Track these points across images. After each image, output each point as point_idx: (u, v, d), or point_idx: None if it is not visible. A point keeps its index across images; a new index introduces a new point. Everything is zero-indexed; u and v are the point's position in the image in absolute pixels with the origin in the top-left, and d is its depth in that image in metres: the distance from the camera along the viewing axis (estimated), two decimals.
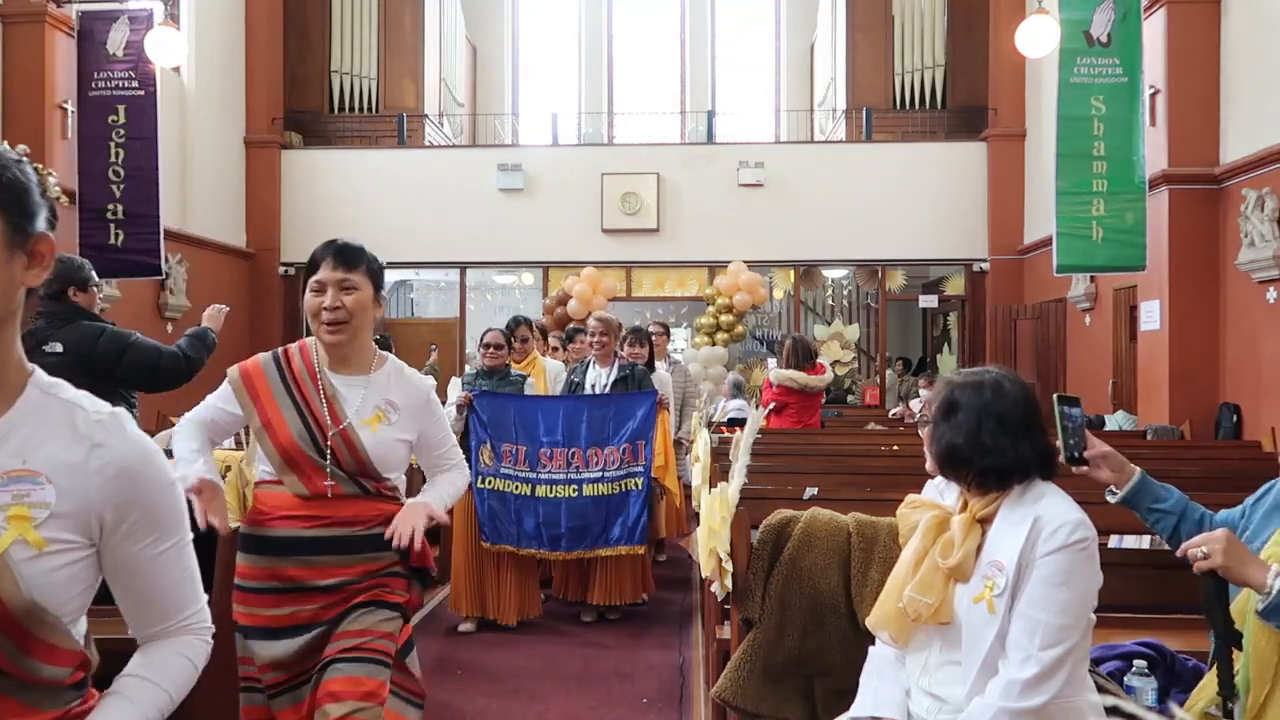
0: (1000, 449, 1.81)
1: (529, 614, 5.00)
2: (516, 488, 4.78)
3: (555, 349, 6.93)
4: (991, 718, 1.69)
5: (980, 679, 1.75)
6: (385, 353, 2.43)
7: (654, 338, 6.68)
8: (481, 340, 5.22)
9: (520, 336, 5.62)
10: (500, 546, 4.80)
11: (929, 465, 1.93)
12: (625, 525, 4.78)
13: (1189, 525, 2.11)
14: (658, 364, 6.21)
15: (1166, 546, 2.18)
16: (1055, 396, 2.09)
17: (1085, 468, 2.11)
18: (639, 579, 5.14)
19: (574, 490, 4.76)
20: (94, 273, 4.00)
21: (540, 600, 5.12)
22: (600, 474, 4.77)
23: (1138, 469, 2.15)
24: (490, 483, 4.78)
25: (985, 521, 1.84)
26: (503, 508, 4.77)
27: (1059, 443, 2.07)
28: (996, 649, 1.74)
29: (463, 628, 4.94)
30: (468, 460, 4.45)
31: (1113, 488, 2.13)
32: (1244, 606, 1.90)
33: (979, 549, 1.82)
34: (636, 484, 4.83)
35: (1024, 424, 1.84)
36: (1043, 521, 1.75)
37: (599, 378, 5.18)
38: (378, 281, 2.34)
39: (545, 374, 5.75)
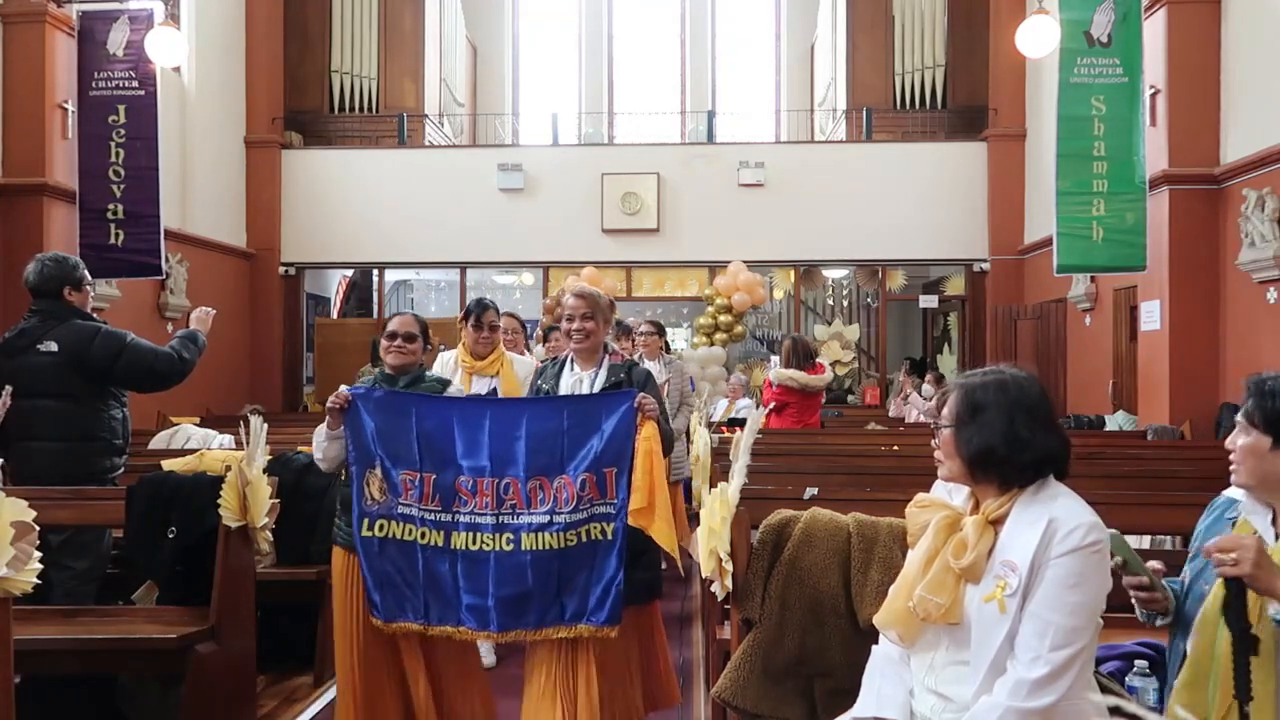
0: (1036, 442, 1.82)
1: None
2: (423, 535, 3.14)
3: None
4: (999, 717, 1.70)
5: (989, 678, 1.76)
6: None
7: (645, 337, 6.12)
8: (384, 329, 3.52)
9: (488, 323, 4.34)
10: (400, 625, 3.12)
11: (949, 471, 1.92)
12: (590, 594, 3.06)
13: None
14: (648, 364, 5.31)
15: (1168, 546, 2.18)
16: None
17: None
18: (653, 680, 3.39)
19: (508, 541, 3.09)
20: (87, 272, 4.00)
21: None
22: (548, 516, 3.09)
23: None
24: (382, 527, 3.15)
25: (997, 523, 1.84)
26: (405, 563, 3.14)
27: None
28: (1006, 649, 1.75)
29: None
30: (349, 495, 3.16)
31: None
32: (1214, 618, 1.88)
33: (990, 549, 1.83)
34: (605, 531, 3.08)
35: (1048, 416, 1.87)
36: (1058, 523, 1.75)
37: (579, 384, 3.43)
38: None
39: (515, 377, 4.36)
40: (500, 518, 3.11)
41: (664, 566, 3.44)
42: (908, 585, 1.90)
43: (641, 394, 3.15)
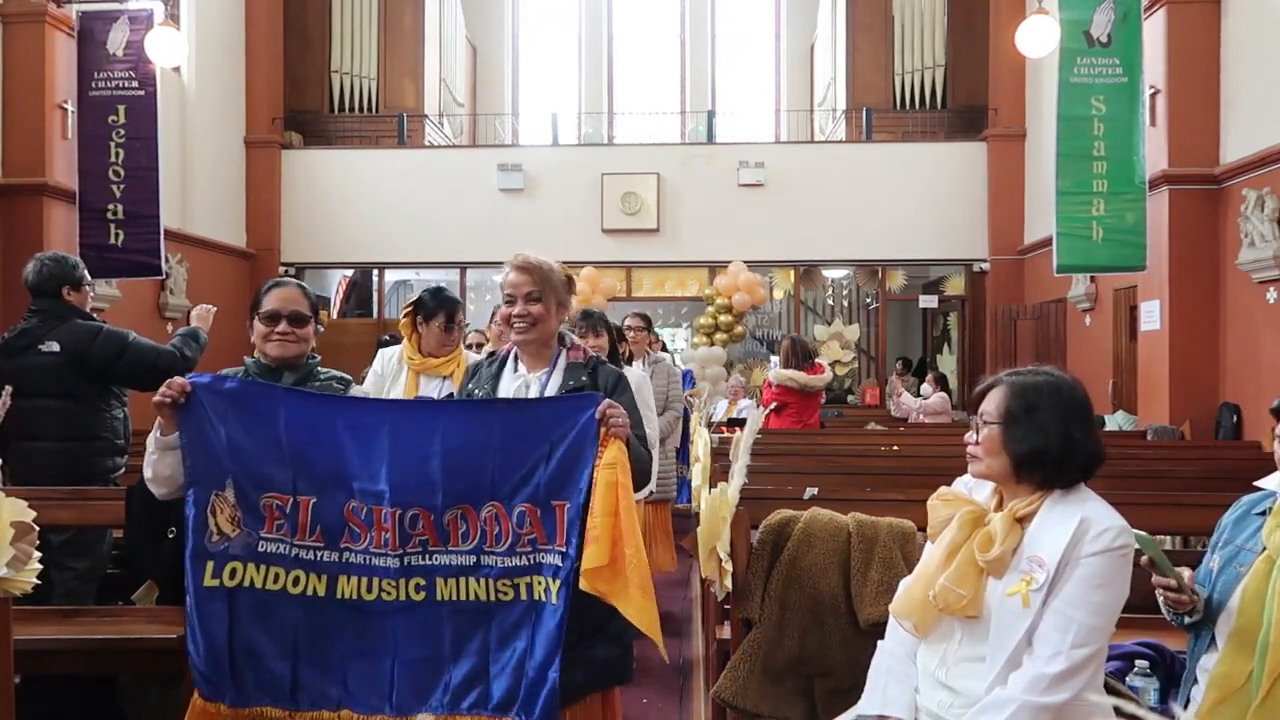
0: (1088, 446, 1.85)
1: None
2: (296, 580, 2.26)
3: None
4: (1014, 710, 1.71)
5: (1004, 672, 1.77)
6: None
7: (633, 332, 5.26)
8: (259, 308, 2.64)
9: (459, 323, 3.80)
10: (258, 710, 2.24)
11: (987, 468, 1.90)
12: (525, 669, 2.18)
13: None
14: (634, 363, 4.70)
15: (1168, 546, 2.21)
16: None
17: None
18: None
19: (418, 588, 2.25)
20: (86, 272, 4.00)
21: None
22: (473, 556, 2.24)
23: None
24: (234, 574, 2.25)
25: (1023, 520, 1.86)
26: (265, 623, 2.26)
27: None
28: (1025, 644, 1.77)
29: None
30: (181, 532, 2.31)
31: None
32: (1260, 588, 1.95)
33: (1015, 546, 1.85)
34: (550, 592, 2.20)
35: (1091, 420, 1.91)
36: (1089, 522, 1.78)
37: (525, 391, 2.50)
38: None
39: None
40: (407, 558, 2.23)
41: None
42: (927, 576, 1.91)
43: (607, 400, 2.24)
